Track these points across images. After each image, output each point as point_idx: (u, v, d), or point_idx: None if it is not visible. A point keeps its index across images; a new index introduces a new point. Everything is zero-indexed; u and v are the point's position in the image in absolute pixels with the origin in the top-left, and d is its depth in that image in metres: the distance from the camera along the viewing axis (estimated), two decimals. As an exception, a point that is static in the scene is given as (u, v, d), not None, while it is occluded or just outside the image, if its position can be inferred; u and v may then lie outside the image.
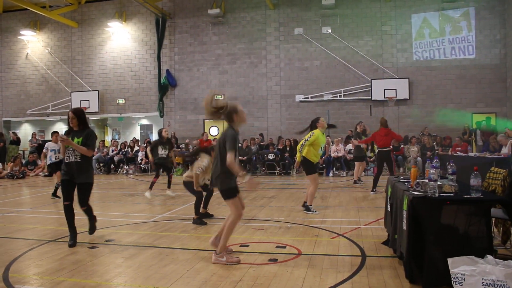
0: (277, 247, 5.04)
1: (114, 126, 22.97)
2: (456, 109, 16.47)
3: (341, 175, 14.37)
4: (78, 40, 20.59)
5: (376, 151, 10.19)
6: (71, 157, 5.19)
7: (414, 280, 3.69)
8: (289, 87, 18.06)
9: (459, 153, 11.91)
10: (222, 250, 4.44)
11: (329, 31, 17.55)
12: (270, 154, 15.30)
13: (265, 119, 18.32)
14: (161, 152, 9.70)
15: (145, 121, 22.70)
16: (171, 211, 7.80)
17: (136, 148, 17.16)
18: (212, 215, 6.99)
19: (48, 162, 9.33)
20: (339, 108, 17.45)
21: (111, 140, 19.89)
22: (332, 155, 14.70)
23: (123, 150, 17.20)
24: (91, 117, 20.94)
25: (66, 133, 5.35)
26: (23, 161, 16.82)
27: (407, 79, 16.79)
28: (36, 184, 13.49)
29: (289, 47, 18.11)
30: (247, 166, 15.01)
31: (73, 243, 5.23)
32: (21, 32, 20.54)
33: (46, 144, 9.68)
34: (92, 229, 5.66)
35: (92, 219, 5.59)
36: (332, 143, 15.08)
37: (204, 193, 6.76)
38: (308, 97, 17.77)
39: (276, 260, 4.49)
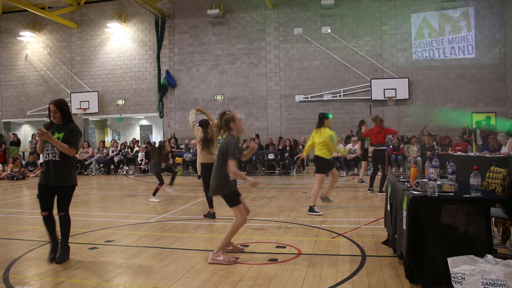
0: (277, 247, 5.04)
1: (114, 126, 22.97)
2: (455, 108, 16.49)
3: (341, 175, 14.35)
4: (78, 41, 20.59)
5: (372, 148, 10.37)
6: (49, 154, 4.49)
7: (414, 280, 3.69)
8: (288, 87, 18.06)
9: (459, 153, 11.90)
10: (220, 249, 4.46)
11: (329, 31, 17.55)
12: (270, 154, 15.29)
13: (265, 119, 18.32)
14: (162, 165, 9.91)
15: (145, 122, 22.69)
16: (171, 211, 7.81)
17: (136, 148, 17.14)
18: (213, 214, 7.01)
19: None
20: (339, 108, 17.44)
21: (111, 141, 19.87)
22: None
23: (123, 151, 17.18)
24: (91, 118, 20.98)
25: (46, 127, 4.51)
26: (23, 162, 16.82)
27: (407, 79, 16.80)
28: (36, 185, 13.43)
29: (288, 47, 18.11)
30: (247, 167, 15.00)
31: (53, 256, 4.51)
32: (20, 33, 20.53)
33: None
34: (63, 253, 4.51)
35: (66, 234, 4.56)
36: (332, 143, 15.04)
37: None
38: (308, 97, 17.78)
39: (276, 260, 4.49)
